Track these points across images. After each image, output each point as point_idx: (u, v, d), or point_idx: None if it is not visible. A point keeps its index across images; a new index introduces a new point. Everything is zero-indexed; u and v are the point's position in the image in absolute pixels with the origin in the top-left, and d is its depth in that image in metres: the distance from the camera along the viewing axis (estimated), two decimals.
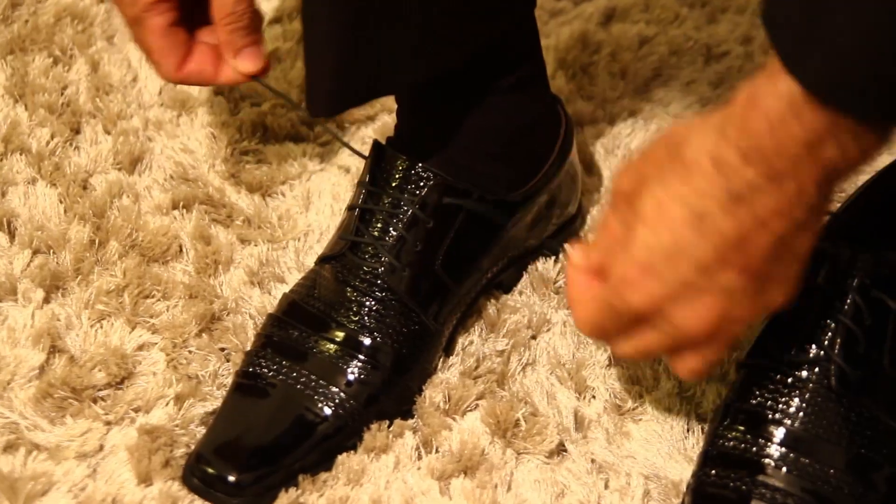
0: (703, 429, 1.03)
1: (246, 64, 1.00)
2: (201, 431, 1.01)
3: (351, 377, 1.00)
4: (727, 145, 0.72)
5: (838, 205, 1.13)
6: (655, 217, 0.76)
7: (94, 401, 1.02)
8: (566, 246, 0.84)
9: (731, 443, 0.94)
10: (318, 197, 1.23)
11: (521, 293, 1.14)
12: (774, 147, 0.71)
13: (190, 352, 1.07)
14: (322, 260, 1.06)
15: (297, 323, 1.02)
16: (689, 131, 0.75)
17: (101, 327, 1.08)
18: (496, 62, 1.04)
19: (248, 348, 1.04)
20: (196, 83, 1.04)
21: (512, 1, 1.04)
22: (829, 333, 0.94)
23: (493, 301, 1.12)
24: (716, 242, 0.75)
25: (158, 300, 1.11)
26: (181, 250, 1.16)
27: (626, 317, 0.81)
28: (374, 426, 1.00)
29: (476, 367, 1.06)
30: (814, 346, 0.94)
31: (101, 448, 0.99)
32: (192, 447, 0.99)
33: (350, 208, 1.06)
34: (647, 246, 0.77)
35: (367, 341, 1.01)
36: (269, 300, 1.12)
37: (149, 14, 0.98)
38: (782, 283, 0.80)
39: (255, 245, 1.17)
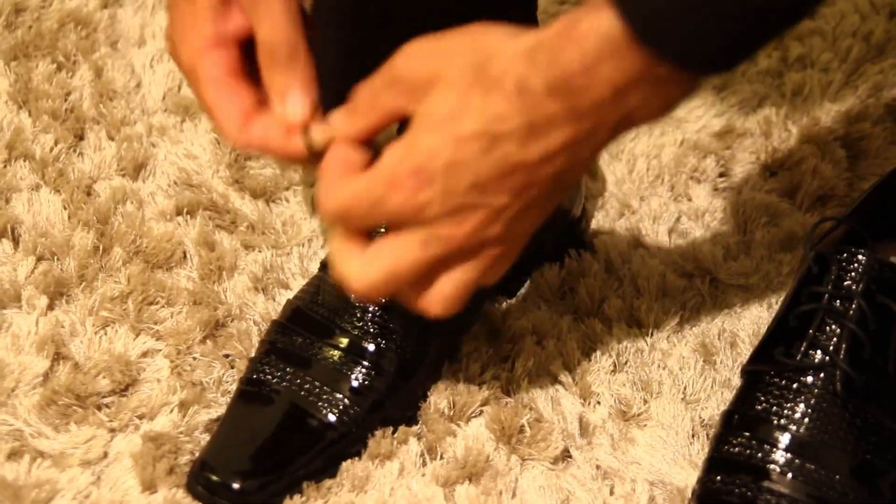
0: (707, 435, 1.03)
1: (291, 110, 0.82)
2: (206, 438, 1.01)
3: (355, 383, 1.00)
4: (535, 73, 0.70)
5: (845, 208, 1.13)
6: (445, 124, 0.73)
7: (99, 408, 1.02)
8: (333, 114, 0.80)
9: (737, 448, 0.94)
10: None
11: (525, 299, 1.14)
12: (584, 86, 0.69)
13: (194, 358, 1.07)
14: (326, 265, 1.05)
15: (301, 329, 1.02)
16: (499, 47, 0.72)
17: (106, 334, 1.08)
18: None
19: (253, 355, 1.04)
20: (263, 148, 0.84)
21: (513, 3, 1.03)
22: (835, 339, 0.94)
23: (497, 307, 1.12)
24: (500, 165, 0.73)
25: (162, 307, 1.11)
26: (185, 256, 1.16)
27: (379, 216, 0.77)
28: (378, 433, 1.00)
29: (481, 374, 1.06)
30: (819, 352, 0.94)
31: (106, 455, 0.99)
32: (197, 454, 0.99)
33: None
34: (428, 151, 0.74)
35: (371, 347, 1.01)
36: (273, 306, 1.11)
37: (201, 63, 0.84)
38: (544, 211, 0.77)
39: (260, 251, 1.17)
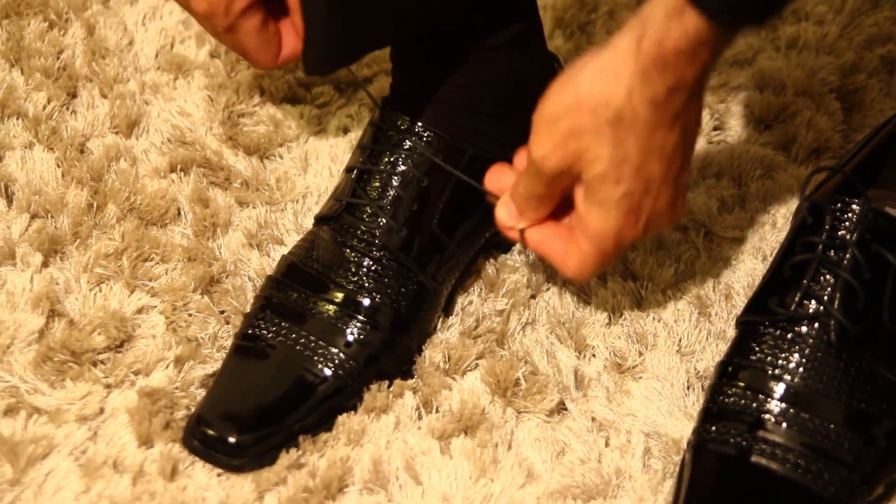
0: (703, 386, 1.03)
1: None
2: (201, 394, 1.01)
3: (350, 338, 1.00)
4: (656, 88, 0.81)
5: (839, 160, 1.13)
6: (621, 170, 0.84)
7: (94, 364, 1.02)
8: (498, 211, 0.93)
9: (732, 399, 0.94)
10: (315, 159, 1.22)
11: (520, 253, 1.14)
12: (694, 75, 0.81)
13: (189, 314, 1.07)
14: (319, 220, 1.05)
15: (296, 284, 1.02)
16: (607, 92, 0.81)
17: (100, 291, 1.08)
18: (490, 16, 1.03)
19: (248, 310, 1.04)
20: (294, 63, 1.03)
21: None
22: (829, 288, 0.94)
23: (491, 261, 1.12)
24: (672, 155, 0.85)
25: (157, 263, 1.11)
26: (179, 213, 1.16)
27: (627, 247, 0.92)
28: (374, 386, 1.00)
29: (476, 327, 1.06)
30: (813, 302, 0.94)
31: (102, 411, 0.99)
32: (193, 409, 0.99)
33: (348, 170, 1.06)
34: (623, 195, 0.85)
35: (366, 302, 1.01)
36: (267, 262, 1.11)
37: (242, 20, 0.97)
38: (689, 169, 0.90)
39: (254, 207, 1.17)
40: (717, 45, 0.80)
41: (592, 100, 0.82)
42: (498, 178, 0.97)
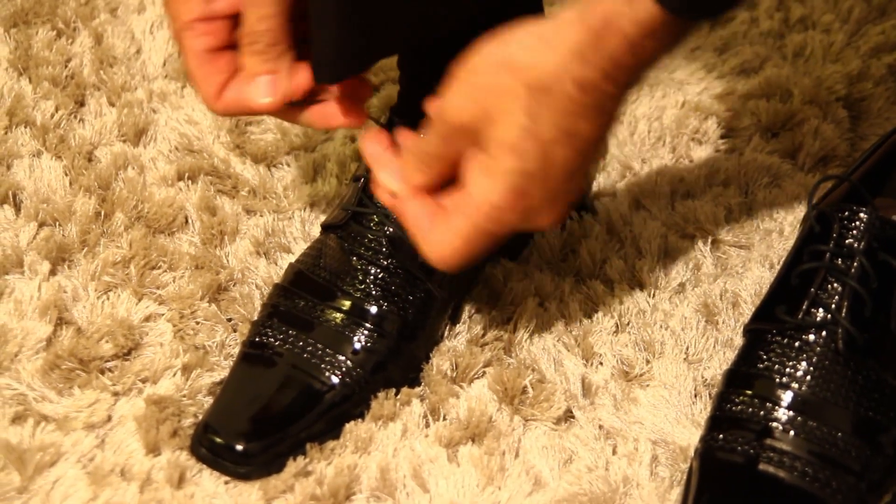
0: (710, 394, 1.03)
1: (256, 92, 0.92)
2: (209, 401, 1.01)
3: (358, 345, 1.00)
4: (590, 69, 0.77)
5: (847, 168, 1.13)
6: (524, 142, 0.79)
7: (102, 372, 1.02)
8: (379, 175, 0.89)
9: (739, 407, 0.94)
10: (323, 167, 1.22)
11: (527, 261, 1.14)
12: (634, 64, 0.78)
13: (197, 322, 1.07)
14: (326, 228, 1.05)
15: (303, 292, 1.02)
16: (539, 60, 0.78)
17: (108, 299, 1.08)
18: (497, 23, 1.03)
19: (255, 318, 1.04)
20: (237, 113, 0.94)
21: None
22: (836, 297, 0.94)
23: (499, 269, 1.12)
24: (584, 150, 0.81)
25: (165, 271, 1.11)
26: (187, 221, 1.16)
27: (498, 237, 0.84)
28: (381, 394, 1.00)
29: (483, 335, 1.06)
30: (821, 310, 0.94)
31: (110, 419, 1.00)
32: (200, 417, 0.99)
33: (355, 178, 1.06)
34: (518, 170, 0.80)
35: (373, 309, 1.01)
36: (275, 270, 1.12)
37: (186, 35, 0.92)
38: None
39: (261, 215, 1.17)
40: (664, 38, 0.77)
41: (521, 62, 0.78)
42: (378, 145, 0.91)
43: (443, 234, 0.84)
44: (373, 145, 0.91)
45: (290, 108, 0.94)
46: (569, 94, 0.78)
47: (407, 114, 1.04)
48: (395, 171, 0.88)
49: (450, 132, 0.82)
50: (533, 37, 0.78)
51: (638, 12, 0.75)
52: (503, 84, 0.79)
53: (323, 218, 1.15)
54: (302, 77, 0.93)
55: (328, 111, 0.95)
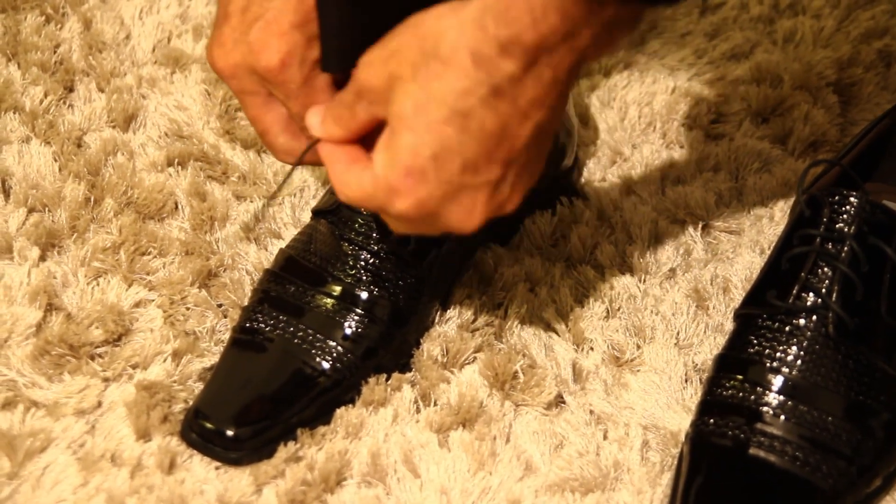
0: (700, 379, 1.03)
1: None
2: (199, 387, 1.01)
3: (348, 331, 1.00)
4: (486, 39, 0.71)
5: (837, 154, 1.13)
6: (416, 118, 0.74)
7: (92, 357, 1.02)
8: (308, 113, 0.86)
9: (730, 391, 0.94)
10: None
11: (517, 246, 1.14)
12: (535, 40, 0.71)
13: (187, 308, 1.07)
14: (316, 213, 1.05)
15: (293, 278, 1.02)
16: (441, 26, 0.73)
17: (98, 284, 1.07)
18: None
19: (246, 304, 1.04)
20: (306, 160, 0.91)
21: None
22: (827, 281, 0.94)
23: (490, 254, 1.12)
24: (480, 139, 0.75)
25: (155, 257, 1.11)
26: (177, 207, 1.16)
27: (392, 214, 0.80)
28: (372, 380, 1.00)
29: (474, 320, 1.06)
30: (811, 294, 0.94)
31: (100, 404, 0.99)
32: (191, 402, 0.99)
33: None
34: (411, 149, 0.75)
35: (363, 295, 1.01)
36: (265, 256, 1.11)
37: (317, 72, 0.87)
38: (539, 164, 0.80)
39: (251, 201, 1.17)
40: (579, 19, 0.71)
41: (426, 29, 0.73)
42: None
43: (354, 184, 0.80)
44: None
45: None
46: (461, 65, 0.72)
47: None
48: (318, 117, 0.83)
49: (360, 92, 0.78)
50: (448, 5, 0.73)
51: None
52: (408, 50, 0.74)
53: (313, 203, 1.15)
54: None
55: None
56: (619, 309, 1.09)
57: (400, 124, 0.75)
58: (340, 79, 0.91)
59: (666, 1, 0.73)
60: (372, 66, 0.77)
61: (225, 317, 1.07)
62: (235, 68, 0.89)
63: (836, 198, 0.96)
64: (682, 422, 0.99)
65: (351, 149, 0.81)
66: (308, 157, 0.89)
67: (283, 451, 0.96)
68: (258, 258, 1.11)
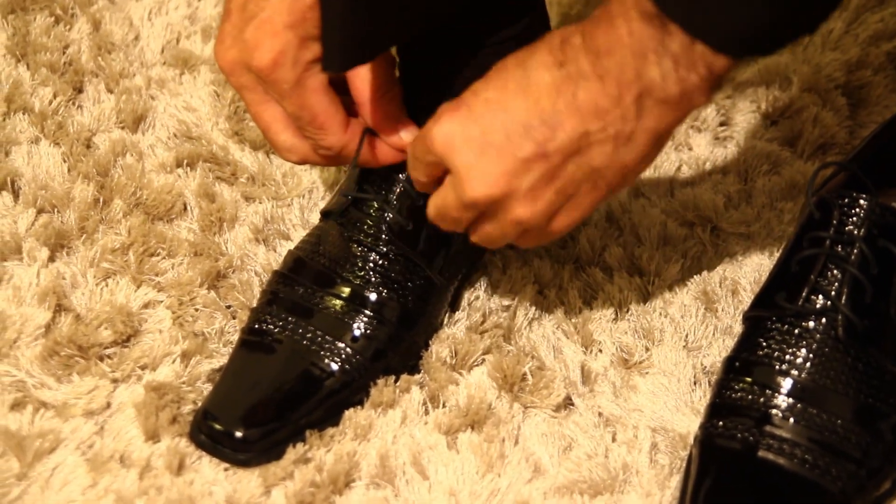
0: (709, 381, 1.03)
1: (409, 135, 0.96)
2: (208, 388, 1.01)
3: (357, 332, 1.00)
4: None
5: (846, 156, 1.13)
6: (505, 139, 0.81)
7: (101, 358, 1.02)
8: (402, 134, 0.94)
9: (739, 394, 0.94)
10: None
11: (526, 248, 1.14)
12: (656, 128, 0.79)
13: (196, 309, 1.07)
14: (325, 215, 1.05)
15: (302, 279, 1.02)
16: (552, 133, 0.80)
17: (107, 285, 1.08)
18: (499, 12, 1.03)
19: (254, 305, 1.04)
20: (360, 161, 0.97)
21: None
22: (836, 283, 0.94)
23: (498, 256, 1.12)
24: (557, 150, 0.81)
25: (164, 258, 1.11)
26: (186, 208, 1.16)
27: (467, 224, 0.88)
28: (380, 381, 1.00)
29: (482, 322, 1.06)
30: (821, 297, 0.94)
31: (109, 405, 0.99)
32: (199, 404, 0.99)
33: (354, 165, 1.05)
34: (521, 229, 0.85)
35: (372, 296, 1.01)
36: (274, 257, 1.11)
37: (310, 73, 0.91)
38: (598, 195, 0.84)
39: (260, 202, 1.17)
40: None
41: (538, 135, 0.80)
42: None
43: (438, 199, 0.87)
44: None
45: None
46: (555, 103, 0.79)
47: (407, 100, 1.04)
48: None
49: (435, 162, 0.85)
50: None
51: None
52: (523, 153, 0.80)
53: (322, 205, 1.15)
54: None
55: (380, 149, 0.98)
56: (627, 311, 1.09)
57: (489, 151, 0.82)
58: (335, 80, 0.92)
59: (762, 51, 0.76)
60: (461, 152, 0.82)
61: (234, 318, 1.07)
62: (233, 65, 0.91)
63: (846, 200, 0.96)
64: (690, 424, 0.99)
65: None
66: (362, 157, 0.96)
67: (292, 453, 0.96)
68: (267, 259, 1.11)
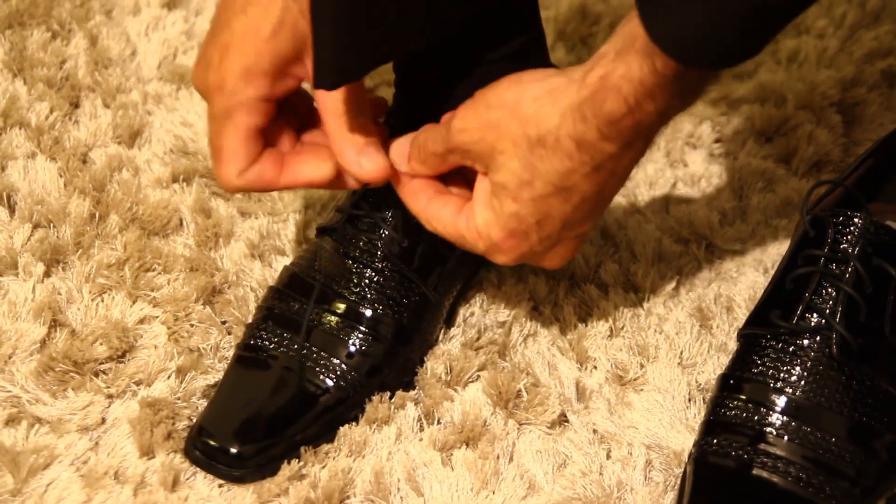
0: (704, 398, 1.03)
1: (371, 164, 0.90)
2: (203, 404, 1.01)
3: (352, 349, 1.00)
4: (588, 128, 0.79)
5: (841, 174, 1.13)
6: (520, 191, 0.83)
7: (96, 374, 1.02)
8: (391, 151, 0.92)
9: (733, 412, 0.94)
10: None
11: (521, 265, 1.14)
12: (632, 124, 0.79)
13: (191, 325, 1.07)
14: (321, 231, 1.05)
15: (298, 295, 1.02)
16: (541, 112, 0.81)
17: (102, 301, 1.08)
18: (495, 30, 1.03)
19: (250, 321, 1.04)
20: (255, 189, 0.92)
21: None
22: (831, 301, 0.94)
23: (494, 272, 1.12)
24: (580, 204, 0.84)
25: (159, 273, 1.11)
26: (181, 223, 1.16)
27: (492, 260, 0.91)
28: (375, 398, 1.00)
29: (477, 339, 1.07)
30: (815, 315, 0.94)
31: (103, 421, 0.99)
32: (194, 420, 0.99)
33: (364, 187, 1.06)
34: (515, 216, 0.85)
35: (368, 313, 1.01)
36: (270, 273, 1.12)
37: (241, 111, 0.89)
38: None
39: (256, 218, 1.17)
40: (665, 97, 0.77)
41: (527, 112, 0.81)
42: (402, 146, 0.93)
43: (446, 220, 0.89)
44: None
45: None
46: (565, 150, 0.80)
47: (403, 117, 1.04)
48: (403, 154, 0.91)
49: (453, 147, 0.86)
50: (544, 91, 0.81)
51: (632, 70, 0.76)
52: (508, 128, 0.82)
53: (318, 220, 1.15)
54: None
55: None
56: (622, 328, 1.09)
57: (504, 193, 0.85)
58: (259, 135, 0.91)
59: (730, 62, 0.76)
60: (469, 133, 0.85)
61: (229, 334, 1.07)
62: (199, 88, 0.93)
63: (841, 218, 0.96)
64: (685, 441, 0.99)
65: (432, 182, 0.91)
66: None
67: (287, 469, 0.96)
68: (262, 275, 1.11)
